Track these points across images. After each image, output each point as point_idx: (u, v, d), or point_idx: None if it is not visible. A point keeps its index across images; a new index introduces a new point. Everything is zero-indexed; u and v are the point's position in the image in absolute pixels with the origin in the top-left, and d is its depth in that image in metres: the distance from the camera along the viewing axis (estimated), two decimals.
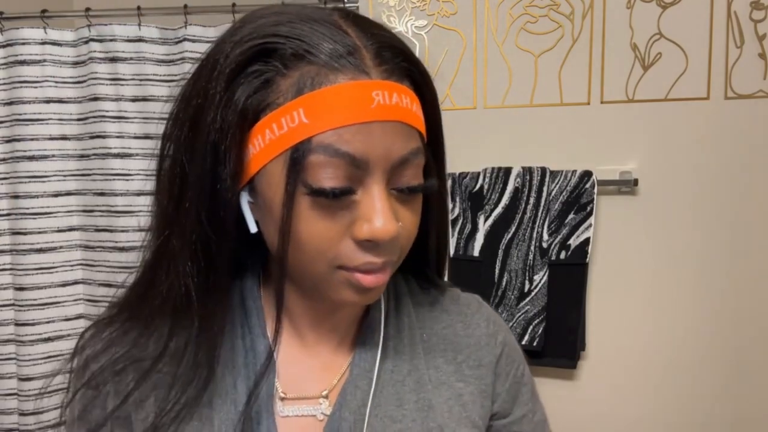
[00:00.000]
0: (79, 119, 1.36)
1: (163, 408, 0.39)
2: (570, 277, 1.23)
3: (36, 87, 1.33)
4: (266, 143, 0.36)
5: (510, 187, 1.23)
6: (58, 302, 1.35)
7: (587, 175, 1.21)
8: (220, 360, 0.41)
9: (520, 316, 1.23)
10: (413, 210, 0.40)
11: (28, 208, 1.34)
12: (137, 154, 1.31)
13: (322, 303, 0.45)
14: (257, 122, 0.36)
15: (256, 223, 0.40)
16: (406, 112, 0.36)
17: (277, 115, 0.36)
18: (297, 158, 0.35)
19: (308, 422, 0.43)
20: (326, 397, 0.44)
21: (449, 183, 1.27)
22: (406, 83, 0.38)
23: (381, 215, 0.36)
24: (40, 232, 1.34)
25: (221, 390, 0.41)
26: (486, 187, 1.24)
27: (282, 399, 0.43)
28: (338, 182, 0.35)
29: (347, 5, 1.32)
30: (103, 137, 1.30)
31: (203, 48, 0.48)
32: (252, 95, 0.36)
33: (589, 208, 1.20)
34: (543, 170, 1.22)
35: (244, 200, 0.39)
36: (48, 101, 1.34)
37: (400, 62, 0.38)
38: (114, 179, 1.30)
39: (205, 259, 0.39)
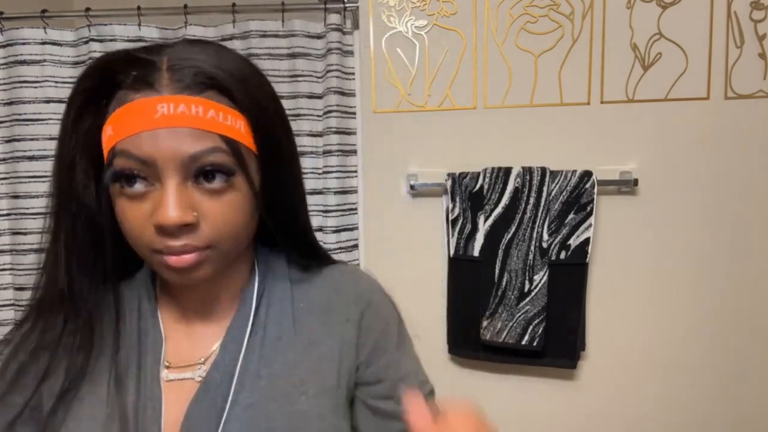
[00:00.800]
0: None
1: (65, 379, 0.49)
2: (570, 277, 1.23)
3: (36, 87, 1.33)
4: (103, 153, 0.47)
5: (510, 187, 1.23)
6: None
7: (587, 175, 1.21)
8: (118, 339, 0.51)
9: (520, 316, 1.23)
10: (221, 202, 0.47)
11: (28, 208, 1.34)
12: None
13: (192, 285, 0.53)
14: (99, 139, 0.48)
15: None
16: (194, 119, 0.44)
17: (103, 131, 0.47)
18: (109, 161, 0.45)
19: (188, 384, 0.51)
20: (203, 363, 0.52)
21: (449, 183, 1.27)
22: (208, 95, 0.46)
23: (167, 204, 0.44)
24: (40, 232, 1.34)
25: (119, 362, 0.51)
26: (486, 187, 1.24)
27: (167, 367, 0.52)
28: (132, 172, 0.45)
29: (347, 5, 1.33)
30: None
31: None
32: (92, 118, 0.48)
33: (589, 208, 1.20)
34: (543, 170, 1.22)
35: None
36: (48, 101, 1.34)
37: (200, 79, 0.45)
38: None
39: (87, 256, 0.50)
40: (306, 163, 1.36)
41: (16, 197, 1.34)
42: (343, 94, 1.34)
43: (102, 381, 0.50)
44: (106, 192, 0.48)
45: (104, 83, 0.47)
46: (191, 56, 0.47)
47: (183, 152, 0.44)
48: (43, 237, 0.52)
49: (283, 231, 0.56)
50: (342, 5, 1.32)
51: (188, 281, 0.48)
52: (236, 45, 1.33)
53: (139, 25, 1.33)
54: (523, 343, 1.23)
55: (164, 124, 0.44)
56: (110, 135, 0.45)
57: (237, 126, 0.47)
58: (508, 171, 1.24)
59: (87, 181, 0.49)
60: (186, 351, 0.53)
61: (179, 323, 0.55)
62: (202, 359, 0.53)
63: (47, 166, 1.34)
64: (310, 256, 0.60)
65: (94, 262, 0.50)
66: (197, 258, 0.46)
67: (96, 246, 0.50)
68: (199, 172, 0.45)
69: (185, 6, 1.31)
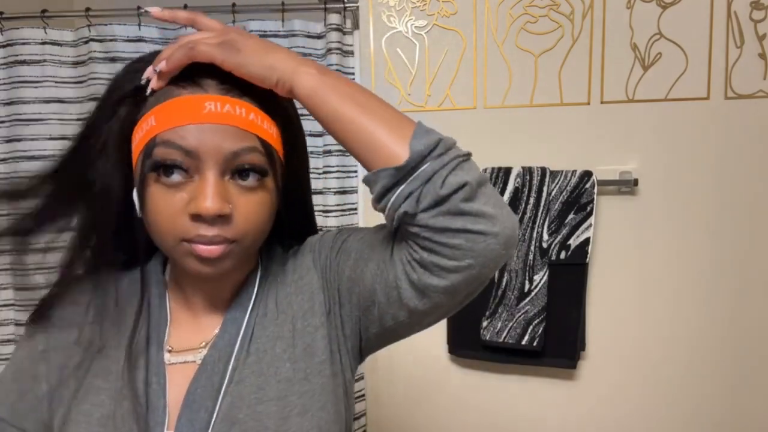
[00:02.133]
0: (79, 119, 1.36)
1: (79, 352, 0.54)
2: (570, 277, 1.23)
3: (36, 87, 1.33)
4: (135, 143, 0.50)
5: (510, 187, 1.23)
6: None
7: (587, 175, 1.21)
8: (138, 318, 0.54)
9: (520, 316, 1.23)
10: (253, 200, 0.50)
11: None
12: None
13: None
14: (133, 129, 0.50)
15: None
16: (239, 119, 0.48)
17: (141, 121, 0.49)
18: (147, 151, 0.47)
19: (189, 366, 0.54)
20: (204, 347, 0.55)
21: None
22: (248, 99, 0.49)
23: (206, 194, 0.46)
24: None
25: (136, 341, 0.54)
26: None
27: (169, 351, 0.55)
28: (173, 162, 0.47)
29: (347, 5, 1.33)
30: None
31: None
32: (127, 112, 0.51)
33: (589, 208, 1.20)
34: (543, 170, 1.22)
35: (135, 192, 0.50)
36: (48, 101, 1.34)
37: (243, 83, 0.49)
38: None
39: (107, 240, 0.54)
40: None
41: None
42: None
43: (116, 356, 0.53)
44: (127, 179, 0.51)
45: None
46: None
47: (226, 148, 0.47)
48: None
49: (296, 230, 0.61)
50: (342, 5, 1.32)
51: (212, 272, 0.50)
52: None
53: (139, 25, 1.33)
54: (523, 343, 1.23)
55: (211, 120, 0.47)
56: (152, 125, 0.47)
57: (271, 131, 0.51)
58: (508, 171, 1.24)
59: (115, 166, 0.51)
60: (189, 337, 0.56)
61: (184, 312, 0.58)
62: (203, 343, 0.55)
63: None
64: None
65: (117, 245, 0.55)
66: (224, 249, 0.49)
67: (119, 230, 0.53)
68: (237, 170, 0.48)
69: (185, 6, 1.31)
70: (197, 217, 0.47)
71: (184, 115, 0.47)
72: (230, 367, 0.53)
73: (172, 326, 0.56)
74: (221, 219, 0.47)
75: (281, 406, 0.52)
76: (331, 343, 0.56)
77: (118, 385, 0.51)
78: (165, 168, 0.47)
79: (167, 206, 0.47)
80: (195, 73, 0.49)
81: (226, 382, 0.52)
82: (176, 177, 0.47)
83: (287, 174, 0.55)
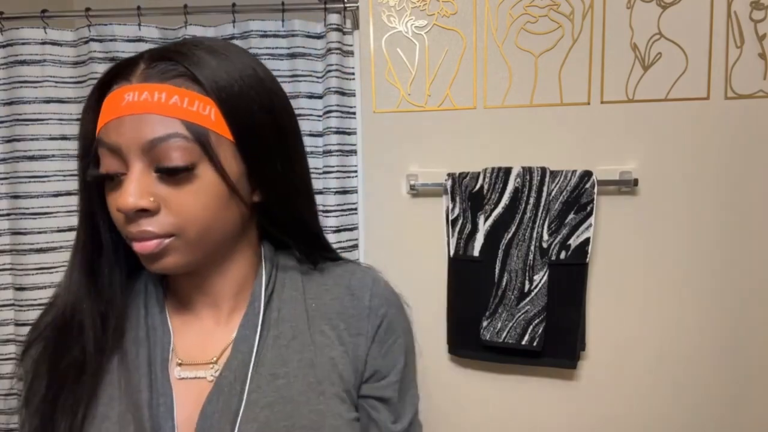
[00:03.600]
0: (79, 119, 1.36)
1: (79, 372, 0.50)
2: (570, 277, 1.23)
3: (36, 87, 1.33)
4: None
5: (510, 187, 1.23)
6: None
7: (587, 175, 1.21)
8: (124, 335, 0.52)
9: (520, 316, 1.23)
10: (183, 189, 0.46)
11: (28, 208, 1.34)
12: None
13: (192, 278, 0.54)
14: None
15: None
16: (156, 105, 0.45)
17: None
18: (94, 153, 0.47)
19: (200, 383, 0.51)
20: (215, 362, 0.53)
21: (449, 183, 1.27)
22: (176, 82, 0.46)
23: (125, 189, 0.45)
24: (40, 232, 1.35)
25: (127, 360, 0.51)
26: (486, 187, 1.24)
27: (179, 365, 0.52)
28: (107, 168, 0.46)
29: (347, 5, 1.33)
30: None
31: None
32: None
33: (589, 208, 1.20)
34: (543, 170, 1.22)
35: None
36: (48, 101, 1.34)
37: (170, 67, 0.46)
38: None
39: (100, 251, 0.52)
40: None
41: (16, 197, 1.34)
42: (343, 94, 1.34)
43: (113, 379, 0.50)
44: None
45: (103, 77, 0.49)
46: (174, 48, 0.48)
47: (143, 137, 0.45)
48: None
49: (283, 222, 0.55)
50: (342, 5, 1.32)
51: (159, 270, 0.48)
52: None
53: (139, 25, 1.33)
54: (523, 343, 1.23)
55: (128, 111, 0.45)
56: (96, 126, 0.48)
57: (206, 112, 0.46)
58: (508, 171, 1.24)
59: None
60: (197, 348, 0.53)
61: (188, 320, 0.55)
62: (214, 358, 0.53)
63: (47, 166, 1.34)
64: (316, 250, 0.60)
65: (113, 257, 0.53)
66: (158, 245, 0.46)
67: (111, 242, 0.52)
68: (158, 158, 0.45)
69: (185, 6, 1.31)
70: (123, 214, 0.46)
71: (108, 112, 0.46)
72: (247, 389, 0.50)
73: (176, 338, 0.53)
74: (146, 213, 0.45)
75: None
76: (355, 392, 0.56)
77: (121, 410, 0.49)
78: (108, 176, 0.47)
79: (111, 205, 0.48)
80: (131, 66, 0.47)
81: (244, 404, 0.49)
82: (116, 176, 0.47)
83: (244, 157, 0.49)
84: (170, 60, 0.47)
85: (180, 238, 0.47)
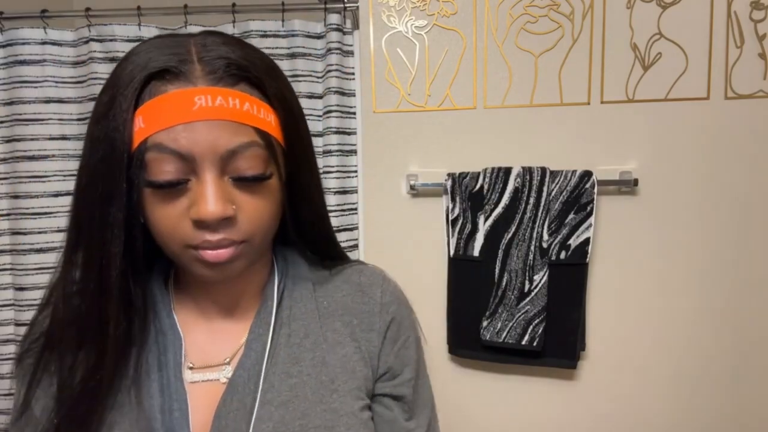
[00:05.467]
0: (79, 119, 1.36)
1: (87, 378, 0.47)
2: (570, 277, 1.23)
3: (36, 87, 1.33)
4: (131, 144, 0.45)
5: (510, 187, 1.23)
6: None
7: (587, 175, 1.21)
8: (134, 341, 0.49)
9: (520, 316, 1.23)
10: (257, 196, 0.46)
11: (28, 208, 1.34)
12: None
13: (212, 283, 0.53)
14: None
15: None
16: (232, 112, 0.43)
17: (134, 122, 0.44)
18: (139, 156, 0.43)
19: (213, 386, 0.51)
20: (228, 363, 0.52)
21: (449, 183, 1.27)
22: (241, 88, 0.45)
23: (207, 198, 0.43)
24: (40, 232, 1.35)
25: (137, 365, 0.49)
26: (486, 187, 1.24)
27: (191, 368, 0.51)
28: (169, 176, 0.43)
29: (347, 5, 1.33)
30: None
31: None
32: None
33: (589, 208, 1.20)
34: (543, 170, 1.22)
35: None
36: (48, 101, 1.34)
37: (233, 71, 0.45)
38: None
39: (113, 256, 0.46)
40: None
41: (16, 197, 1.34)
42: (343, 94, 1.34)
43: (123, 386, 0.49)
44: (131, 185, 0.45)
45: (137, 73, 0.44)
46: (218, 47, 0.46)
47: (222, 146, 0.43)
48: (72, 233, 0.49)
49: (304, 225, 0.56)
50: (342, 5, 1.32)
51: (222, 276, 0.48)
52: None
53: (139, 25, 1.33)
54: (523, 343, 1.23)
55: (202, 117, 0.43)
56: (141, 127, 0.43)
57: (269, 119, 0.47)
58: (508, 171, 1.24)
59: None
60: (208, 351, 0.53)
61: (198, 322, 0.54)
62: (227, 359, 0.52)
63: (47, 166, 1.34)
64: (329, 252, 0.60)
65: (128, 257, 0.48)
66: (234, 252, 0.46)
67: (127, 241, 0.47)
68: (232, 166, 0.45)
69: (185, 6, 1.31)
70: (200, 223, 0.44)
71: (174, 115, 0.42)
72: (260, 388, 0.50)
73: (187, 342, 0.52)
74: (225, 222, 0.45)
75: None
76: (370, 389, 0.56)
77: (132, 417, 0.48)
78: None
79: (167, 214, 0.44)
80: (180, 62, 0.44)
81: (258, 403, 0.49)
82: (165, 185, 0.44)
83: (290, 163, 0.50)
84: (230, 61, 0.45)
85: (249, 244, 0.47)
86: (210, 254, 0.45)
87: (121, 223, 0.45)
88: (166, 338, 0.51)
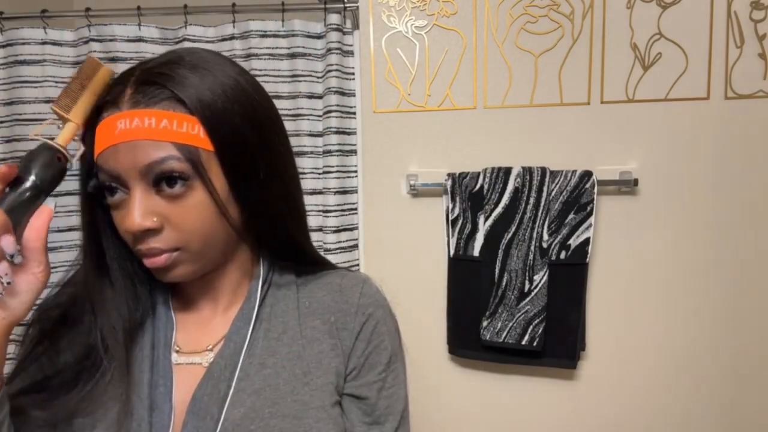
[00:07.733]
0: None
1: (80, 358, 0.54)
2: (570, 277, 1.23)
3: (36, 87, 1.34)
4: None
5: (510, 187, 1.23)
6: None
7: (587, 175, 1.21)
8: (134, 325, 0.56)
9: (520, 316, 1.23)
10: (184, 206, 0.49)
11: None
12: None
13: (198, 279, 0.57)
14: None
15: None
16: (148, 131, 0.48)
17: None
18: (95, 177, 0.50)
19: (196, 368, 0.55)
20: (211, 350, 0.56)
21: (449, 183, 1.27)
22: (163, 106, 0.48)
23: (131, 212, 0.48)
24: None
25: (133, 343, 0.55)
26: (486, 187, 1.24)
27: (177, 351, 0.56)
28: (111, 191, 0.50)
29: (347, 5, 1.33)
30: None
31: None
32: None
33: (589, 208, 1.20)
34: (543, 170, 1.22)
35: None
36: (48, 101, 1.34)
37: (156, 91, 0.49)
38: None
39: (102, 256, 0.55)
40: (306, 163, 1.36)
41: None
42: (343, 94, 1.34)
43: (119, 357, 0.53)
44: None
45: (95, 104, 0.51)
46: (153, 68, 0.50)
47: (139, 162, 0.48)
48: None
49: (264, 232, 0.57)
50: (342, 5, 1.32)
51: (170, 280, 0.53)
52: (236, 45, 1.33)
53: (139, 25, 1.33)
54: (523, 343, 1.23)
55: (122, 139, 0.48)
56: (92, 154, 0.51)
57: (195, 131, 0.49)
58: (508, 171, 1.24)
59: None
60: (195, 338, 0.58)
61: (189, 314, 0.59)
62: (210, 346, 0.57)
63: None
64: (295, 258, 0.61)
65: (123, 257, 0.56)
66: (167, 259, 0.50)
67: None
68: (159, 179, 0.48)
69: (185, 6, 1.31)
70: (130, 234, 0.49)
71: (102, 140, 0.49)
72: (236, 376, 0.54)
73: (178, 329, 0.58)
74: (151, 232, 0.49)
75: (295, 425, 0.52)
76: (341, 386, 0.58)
77: (123, 386, 0.52)
78: (108, 189, 0.50)
79: (118, 224, 0.51)
80: (118, 90, 0.49)
81: (232, 390, 0.53)
82: (117, 196, 0.50)
83: (227, 170, 0.51)
84: (155, 83, 0.49)
85: (185, 251, 0.51)
86: (147, 261, 0.51)
87: (105, 226, 0.54)
88: (161, 322, 0.57)
